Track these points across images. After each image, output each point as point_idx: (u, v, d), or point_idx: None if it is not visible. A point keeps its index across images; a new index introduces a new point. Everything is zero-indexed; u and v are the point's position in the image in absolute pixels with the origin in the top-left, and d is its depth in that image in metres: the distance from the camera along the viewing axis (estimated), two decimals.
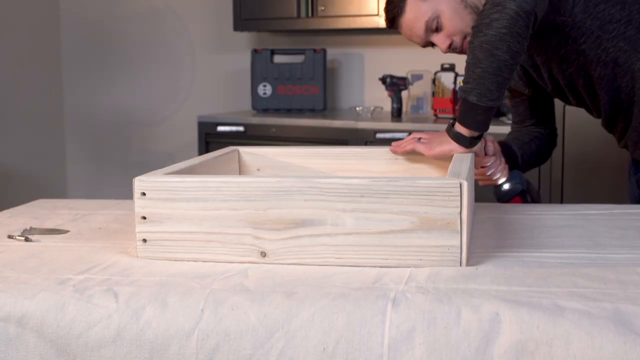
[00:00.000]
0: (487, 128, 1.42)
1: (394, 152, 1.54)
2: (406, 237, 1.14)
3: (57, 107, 4.37)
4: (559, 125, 2.75)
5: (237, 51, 4.06)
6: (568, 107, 2.72)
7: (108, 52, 4.32)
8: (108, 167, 4.41)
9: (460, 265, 1.14)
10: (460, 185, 1.11)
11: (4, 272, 1.17)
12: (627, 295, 1.00)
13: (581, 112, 2.61)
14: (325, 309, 0.99)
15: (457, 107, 1.41)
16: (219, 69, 4.15)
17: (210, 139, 3.53)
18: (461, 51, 1.62)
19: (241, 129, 3.50)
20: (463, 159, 1.34)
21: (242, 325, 0.99)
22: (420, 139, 1.50)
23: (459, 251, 1.13)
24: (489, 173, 1.63)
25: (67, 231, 1.44)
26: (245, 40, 4.05)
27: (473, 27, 1.39)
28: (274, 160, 1.60)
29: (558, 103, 1.92)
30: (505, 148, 1.74)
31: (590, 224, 1.41)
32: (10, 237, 1.39)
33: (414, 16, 1.58)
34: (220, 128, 3.52)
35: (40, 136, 4.25)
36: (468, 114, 1.39)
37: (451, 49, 1.60)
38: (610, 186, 2.69)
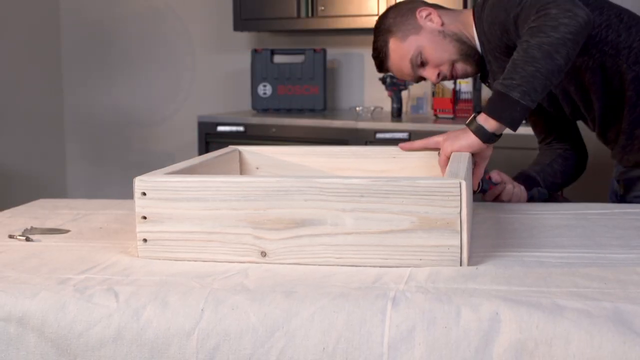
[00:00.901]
0: (517, 128, 1.39)
1: (403, 148, 1.54)
2: (406, 237, 1.14)
3: (57, 107, 4.38)
4: None
5: (237, 51, 4.06)
6: None
7: (108, 52, 4.32)
8: (108, 167, 4.41)
9: (460, 265, 1.14)
10: (460, 185, 1.12)
11: (5, 272, 1.17)
12: (627, 295, 1.00)
13: None
14: (325, 308, 0.99)
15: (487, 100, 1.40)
16: (219, 69, 4.15)
17: (210, 139, 3.53)
18: (451, 78, 1.67)
19: (241, 129, 3.50)
20: (461, 159, 1.34)
21: (242, 324, 1.00)
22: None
23: (459, 251, 1.13)
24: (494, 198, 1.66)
25: (67, 231, 1.44)
26: (245, 40, 4.05)
27: (531, 27, 1.36)
28: (273, 159, 1.60)
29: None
30: (522, 176, 1.76)
31: (590, 224, 1.41)
32: (11, 236, 1.39)
33: (398, 57, 1.66)
34: (220, 128, 3.52)
35: (40, 136, 4.26)
36: (505, 108, 1.35)
37: (440, 78, 1.66)
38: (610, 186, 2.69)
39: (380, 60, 1.70)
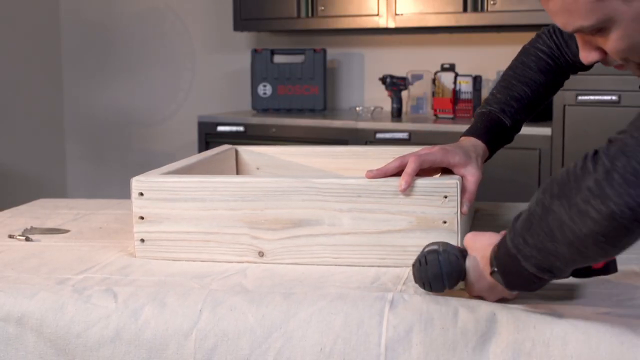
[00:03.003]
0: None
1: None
2: (403, 236, 1.14)
3: (57, 107, 4.38)
4: (559, 124, 2.76)
5: (237, 51, 4.06)
6: (568, 107, 2.72)
7: (108, 52, 4.32)
8: (108, 167, 4.41)
9: None
10: (457, 184, 1.12)
11: (4, 272, 1.17)
12: (626, 295, 1.00)
13: (581, 111, 2.61)
14: (323, 309, 0.99)
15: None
16: (219, 69, 4.15)
17: (210, 139, 3.53)
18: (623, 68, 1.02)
19: (241, 129, 3.50)
20: None
21: (240, 325, 1.00)
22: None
23: None
24: None
25: (67, 231, 1.44)
26: (245, 40, 4.05)
27: (597, 180, 0.86)
28: (273, 159, 1.60)
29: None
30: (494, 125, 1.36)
31: None
32: (11, 236, 1.39)
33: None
34: (220, 128, 3.52)
35: (40, 136, 4.26)
36: (515, 275, 0.96)
37: (612, 63, 1.01)
38: None
39: None
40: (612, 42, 0.94)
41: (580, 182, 0.89)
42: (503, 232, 0.99)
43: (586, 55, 1.00)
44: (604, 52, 0.97)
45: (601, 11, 0.92)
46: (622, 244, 0.88)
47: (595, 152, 0.89)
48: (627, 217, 0.83)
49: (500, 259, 0.97)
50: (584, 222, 0.87)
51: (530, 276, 0.94)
